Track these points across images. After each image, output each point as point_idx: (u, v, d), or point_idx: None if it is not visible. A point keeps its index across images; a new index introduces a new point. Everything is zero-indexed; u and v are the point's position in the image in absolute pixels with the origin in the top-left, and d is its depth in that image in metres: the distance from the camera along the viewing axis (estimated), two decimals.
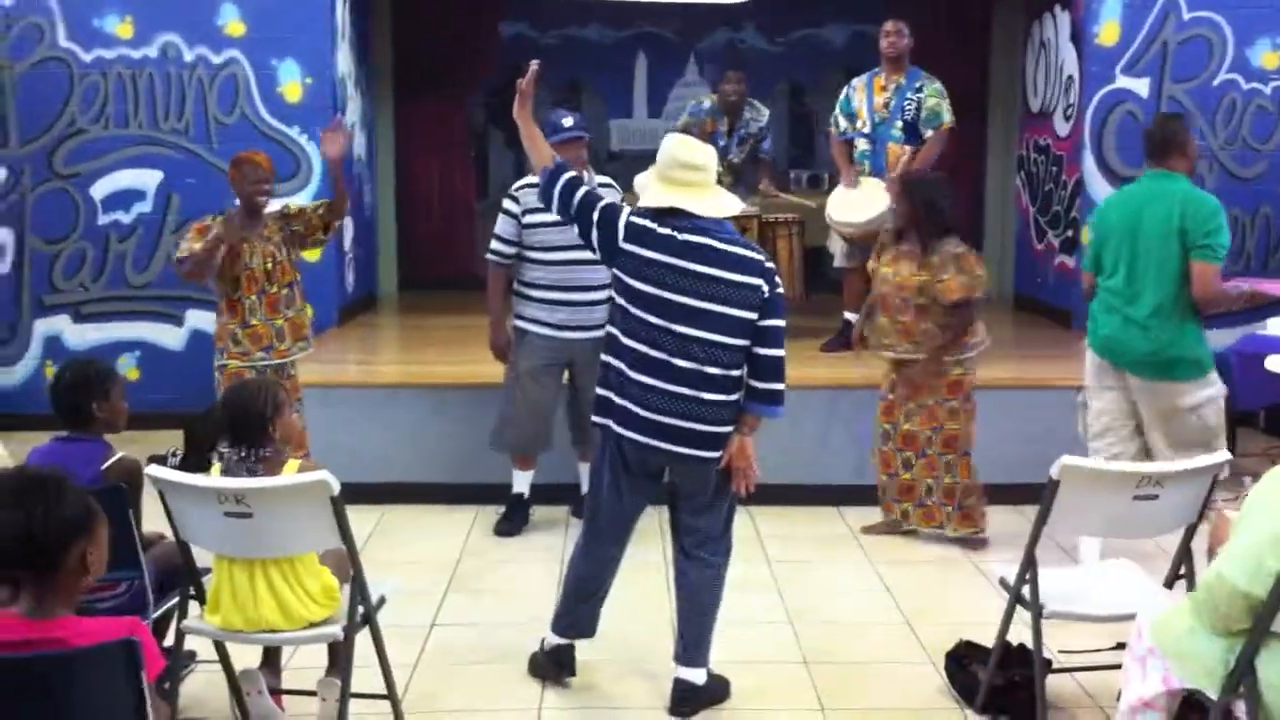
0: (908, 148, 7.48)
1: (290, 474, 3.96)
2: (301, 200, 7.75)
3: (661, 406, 4.23)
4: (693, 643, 4.48)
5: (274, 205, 6.17)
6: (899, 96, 7.47)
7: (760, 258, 4.28)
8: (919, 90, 7.43)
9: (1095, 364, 5.76)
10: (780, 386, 4.31)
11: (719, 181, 4.44)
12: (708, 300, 4.18)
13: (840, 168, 7.86)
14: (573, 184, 4.42)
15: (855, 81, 7.73)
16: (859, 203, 7.56)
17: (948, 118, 7.41)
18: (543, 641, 4.72)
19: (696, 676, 4.47)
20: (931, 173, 6.83)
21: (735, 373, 4.25)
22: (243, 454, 4.00)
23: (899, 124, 7.47)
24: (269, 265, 5.96)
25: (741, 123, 8.58)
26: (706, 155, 4.32)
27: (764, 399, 4.30)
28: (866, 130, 7.62)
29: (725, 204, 4.33)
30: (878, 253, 6.36)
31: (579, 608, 4.63)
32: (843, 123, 7.74)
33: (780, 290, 4.30)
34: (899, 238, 6.24)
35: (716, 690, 4.55)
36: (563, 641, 4.68)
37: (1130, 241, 5.47)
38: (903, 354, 6.17)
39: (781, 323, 4.30)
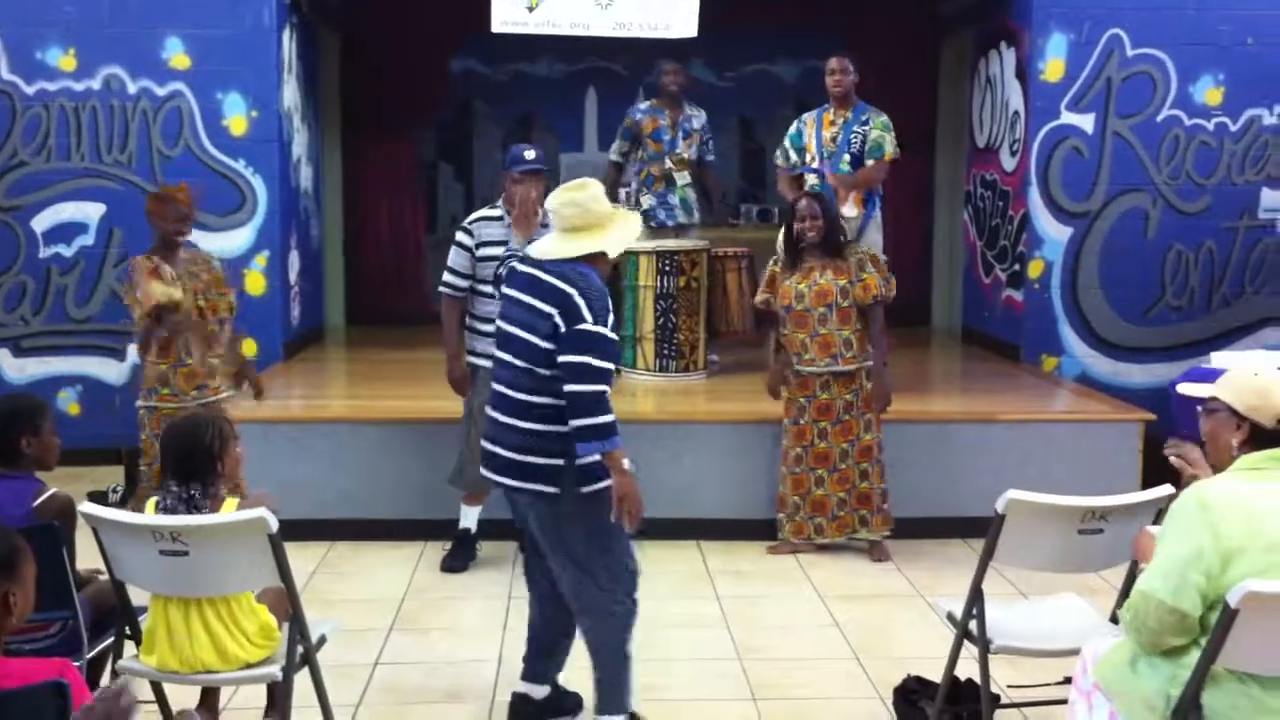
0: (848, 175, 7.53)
1: (229, 512, 3.89)
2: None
3: (497, 438, 4.25)
4: (602, 689, 4.32)
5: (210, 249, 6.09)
6: (845, 131, 7.51)
7: (568, 290, 4.09)
8: (865, 124, 7.47)
9: None
10: (584, 422, 3.99)
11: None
12: (518, 326, 4.20)
13: (783, 192, 7.92)
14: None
15: (806, 116, 7.76)
16: None
17: (890, 149, 7.45)
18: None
19: None
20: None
21: (559, 402, 4.10)
22: (189, 493, 3.91)
23: (845, 157, 7.50)
24: (200, 302, 5.86)
25: (684, 117, 8.61)
26: (560, 200, 4.25)
27: (574, 436, 4.05)
28: (815, 165, 7.64)
29: (563, 247, 4.23)
30: (768, 285, 6.57)
31: (529, 652, 4.60)
32: (792, 155, 7.77)
33: (585, 328, 4.04)
34: (795, 264, 6.42)
35: None
36: (519, 689, 4.62)
37: None
38: (824, 369, 6.35)
39: (581, 359, 4.02)
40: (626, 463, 4.03)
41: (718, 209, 8.89)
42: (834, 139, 7.54)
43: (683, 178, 8.58)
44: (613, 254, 4.28)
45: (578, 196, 4.22)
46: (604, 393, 4.01)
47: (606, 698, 4.30)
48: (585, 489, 4.13)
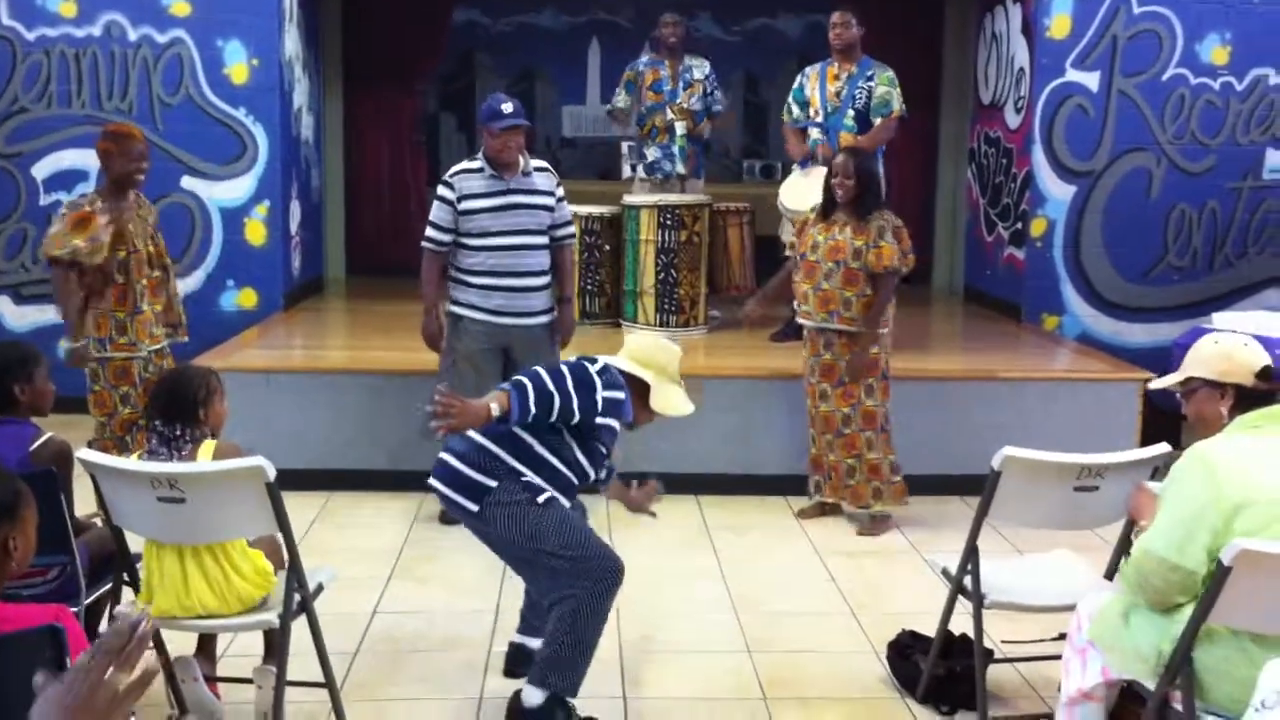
0: (860, 138, 7.48)
1: (206, 455, 3.92)
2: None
3: (452, 445, 4.22)
4: (541, 660, 4.11)
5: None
6: (850, 86, 7.47)
7: (599, 361, 4.26)
8: (870, 79, 7.43)
9: None
10: (526, 397, 3.98)
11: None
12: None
13: (792, 153, 7.91)
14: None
15: (809, 70, 7.73)
16: (810, 190, 7.55)
17: (897, 106, 7.42)
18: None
19: (532, 696, 4.09)
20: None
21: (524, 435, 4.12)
22: (177, 432, 3.94)
23: (850, 113, 7.47)
24: (150, 247, 5.82)
25: (684, 67, 8.58)
26: (662, 342, 4.40)
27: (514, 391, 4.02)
28: (819, 119, 7.62)
29: (621, 357, 4.31)
30: (799, 229, 6.42)
31: (526, 605, 4.64)
32: (795, 110, 7.74)
33: (590, 369, 4.15)
34: (826, 215, 6.30)
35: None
36: (515, 639, 4.67)
37: None
38: (817, 323, 6.23)
39: (568, 373, 4.10)
40: (495, 408, 3.89)
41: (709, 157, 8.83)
42: (838, 94, 7.50)
43: (684, 128, 8.54)
44: (653, 404, 4.26)
45: (673, 350, 4.35)
46: (552, 398, 3.95)
47: (546, 671, 4.07)
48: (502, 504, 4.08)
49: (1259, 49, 8.53)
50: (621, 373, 4.24)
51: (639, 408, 4.27)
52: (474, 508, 4.09)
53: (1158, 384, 3.81)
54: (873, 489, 6.33)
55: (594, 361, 4.22)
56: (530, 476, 4.09)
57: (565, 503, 4.16)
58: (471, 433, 4.09)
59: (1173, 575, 3.21)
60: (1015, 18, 9.17)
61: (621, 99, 8.69)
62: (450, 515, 6.32)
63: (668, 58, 8.60)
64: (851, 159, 6.23)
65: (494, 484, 4.08)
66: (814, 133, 7.66)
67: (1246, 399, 3.41)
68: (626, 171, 10.67)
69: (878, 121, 7.44)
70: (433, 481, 4.23)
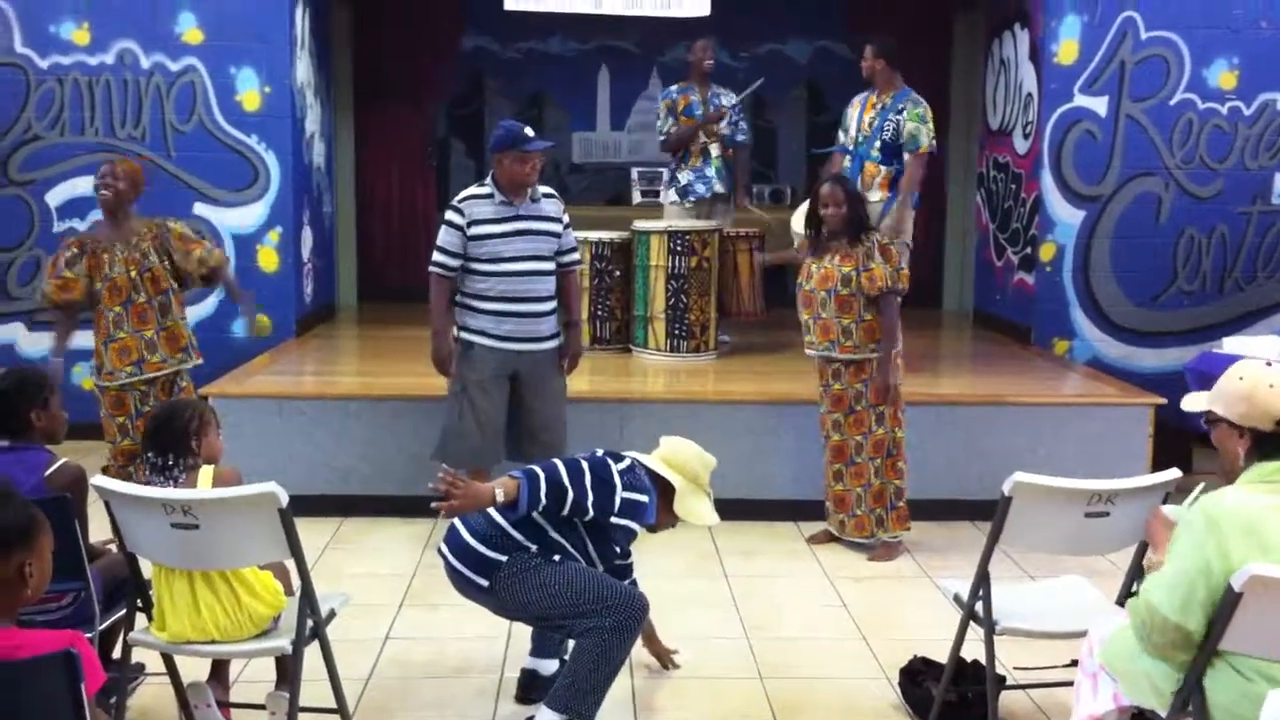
0: (883, 168, 7.50)
1: (206, 482, 3.95)
2: (249, 215, 7.68)
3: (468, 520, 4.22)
4: (561, 686, 4.07)
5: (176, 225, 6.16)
6: (881, 117, 7.49)
7: (623, 459, 4.25)
8: (900, 112, 7.44)
9: None
10: (536, 486, 3.99)
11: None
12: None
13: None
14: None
15: (855, 98, 7.76)
16: None
17: (925, 141, 7.42)
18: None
19: (545, 718, 4.06)
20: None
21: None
22: (169, 462, 3.97)
23: (877, 144, 7.49)
24: (133, 273, 5.83)
25: (714, 93, 8.63)
26: (698, 452, 4.37)
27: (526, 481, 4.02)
28: (851, 147, 7.66)
29: (653, 457, 4.33)
30: (803, 271, 6.39)
31: (537, 628, 4.60)
32: (841, 136, 7.79)
33: (613, 469, 4.14)
34: (815, 247, 6.31)
35: None
36: (527, 664, 4.66)
37: None
38: (821, 352, 6.23)
39: (587, 469, 4.10)
40: (500, 494, 3.93)
41: (740, 205, 8.83)
42: (870, 123, 7.54)
43: (718, 149, 8.58)
44: (677, 509, 4.25)
45: (709, 462, 4.35)
46: (565, 492, 3.95)
47: (563, 695, 4.02)
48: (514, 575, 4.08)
49: (1267, 73, 8.55)
50: (650, 472, 4.23)
51: (663, 509, 4.25)
52: (484, 583, 4.10)
53: (1188, 406, 3.75)
54: (875, 518, 6.32)
55: (620, 459, 4.19)
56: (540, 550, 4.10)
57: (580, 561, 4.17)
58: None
59: (1174, 634, 3.20)
60: (1023, 43, 9.20)
61: (670, 125, 8.68)
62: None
63: (699, 83, 8.64)
64: (839, 186, 6.24)
65: (503, 559, 4.08)
66: (845, 160, 7.69)
67: (1264, 444, 3.31)
68: (636, 197, 10.73)
69: (907, 157, 7.45)
70: (443, 549, 4.22)
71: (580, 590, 4.03)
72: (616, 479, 4.06)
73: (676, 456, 4.30)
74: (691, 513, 4.26)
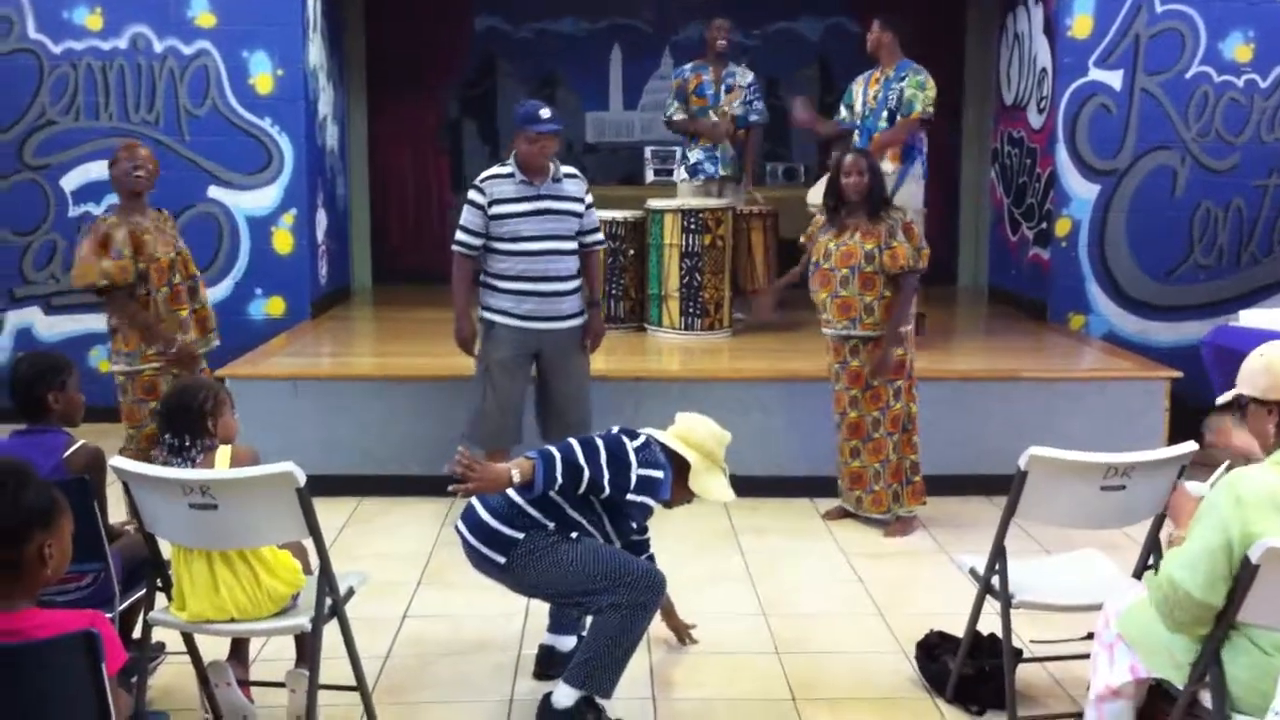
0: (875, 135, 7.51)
1: (224, 462, 3.97)
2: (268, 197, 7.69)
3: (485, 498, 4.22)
4: (579, 661, 4.10)
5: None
6: (885, 88, 7.50)
7: (639, 435, 4.24)
8: (903, 80, 7.44)
9: None
10: (555, 465, 3.98)
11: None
12: None
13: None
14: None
15: (859, 77, 7.75)
16: None
17: (919, 107, 7.40)
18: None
19: (564, 697, 4.09)
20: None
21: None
22: (185, 443, 3.99)
23: (884, 114, 7.49)
24: (172, 255, 5.85)
25: (728, 72, 8.62)
26: (715, 427, 4.36)
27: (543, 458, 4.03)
28: (857, 123, 7.65)
29: (668, 433, 4.33)
30: (810, 235, 6.41)
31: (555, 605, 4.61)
32: (843, 112, 7.78)
33: (627, 446, 4.12)
34: (833, 221, 6.26)
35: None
36: (545, 641, 4.68)
37: None
38: (840, 331, 6.20)
39: (601, 447, 4.09)
40: (516, 475, 3.92)
41: (745, 189, 8.83)
42: (875, 97, 7.54)
43: (727, 126, 8.59)
44: (692, 485, 4.25)
45: (724, 438, 4.33)
46: (581, 471, 3.94)
47: (580, 672, 4.06)
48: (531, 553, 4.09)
49: None
50: (665, 448, 4.24)
51: (678, 486, 4.25)
52: (501, 560, 4.10)
53: (1222, 401, 3.72)
54: (891, 493, 6.32)
55: (635, 436, 4.19)
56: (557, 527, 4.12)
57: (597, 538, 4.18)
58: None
59: (1197, 610, 3.22)
60: (1037, 18, 9.16)
61: (675, 109, 8.69)
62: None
63: (713, 63, 8.63)
64: (862, 155, 6.22)
65: (520, 536, 4.09)
66: (855, 136, 7.68)
67: None
68: (649, 176, 10.72)
69: (898, 120, 7.44)
70: (460, 527, 4.24)
71: (597, 567, 4.04)
72: (632, 456, 4.07)
73: (692, 433, 4.30)
74: (707, 489, 4.26)
